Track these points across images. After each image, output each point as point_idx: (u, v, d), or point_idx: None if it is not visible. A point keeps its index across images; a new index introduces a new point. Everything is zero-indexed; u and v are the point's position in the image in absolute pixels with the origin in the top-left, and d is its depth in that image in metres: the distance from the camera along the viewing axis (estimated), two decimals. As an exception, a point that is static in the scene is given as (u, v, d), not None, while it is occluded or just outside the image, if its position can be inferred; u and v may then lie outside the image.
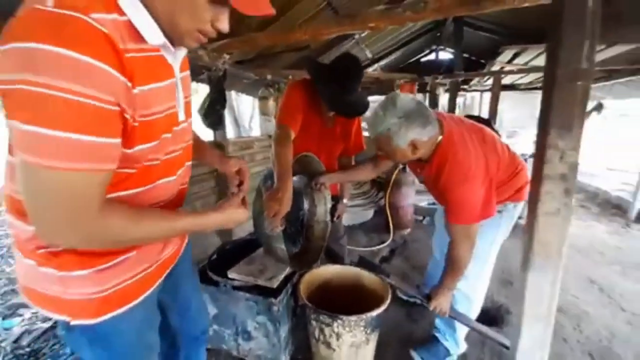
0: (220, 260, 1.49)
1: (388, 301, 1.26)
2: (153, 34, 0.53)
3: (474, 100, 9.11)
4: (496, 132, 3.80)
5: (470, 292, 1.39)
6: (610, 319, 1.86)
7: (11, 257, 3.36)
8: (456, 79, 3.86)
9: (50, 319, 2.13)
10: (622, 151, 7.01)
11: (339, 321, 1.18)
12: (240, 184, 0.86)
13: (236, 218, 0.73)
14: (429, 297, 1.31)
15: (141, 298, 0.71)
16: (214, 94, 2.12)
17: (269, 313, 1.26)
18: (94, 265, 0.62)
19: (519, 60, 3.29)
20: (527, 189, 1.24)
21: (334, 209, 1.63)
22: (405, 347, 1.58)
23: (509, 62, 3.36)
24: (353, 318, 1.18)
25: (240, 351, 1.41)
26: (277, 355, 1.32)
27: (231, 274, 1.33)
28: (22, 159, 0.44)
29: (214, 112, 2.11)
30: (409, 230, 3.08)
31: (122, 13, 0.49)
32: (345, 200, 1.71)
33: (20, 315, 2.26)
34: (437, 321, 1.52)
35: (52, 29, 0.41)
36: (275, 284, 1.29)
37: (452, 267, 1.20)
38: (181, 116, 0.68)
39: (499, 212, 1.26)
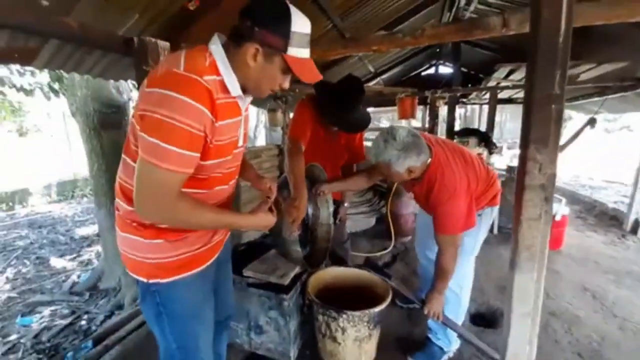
0: (235, 259, 1.61)
1: (389, 299, 1.38)
2: (235, 89, 0.79)
3: (474, 112, 9.32)
4: (494, 144, 3.92)
5: (457, 288, 1.52)
6: (602, 323, 1.96)
7: (26, 258, 3.49)
8: (455, 93, 4.03)
9: (69, 316, 2.25)
10: (622, 164, 7.11)
11: (345, 316, 1.30)
12: (269, 197, 1.04)
13: (266, 221, 0.93)
14: (423, 302, 1.43)
15: (197, 270, 0.89)
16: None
17: (280, 308, 1.38)
18: (167, 238, 0.84)
19: (515, 77, 3.46)
20: (499, 195, 1.51)
21: (335, 213, 1.76)
22: (402, 346, 1.69)
23: (505, 77, 3.54)
24: (357, 313, 1.30)
25: (252, 345, 1.52)
26: (287, 347, 1.43)
27: (246, 272, 1.46)
28: (143, 158, 0.69)
29: None
30: (409, 237, 3.19)
31: (219, 74, 0.76)
32: (346, 204, 1.85)
33: (40, 312, 2.36)
34: (429, 322, 1.64)
35: (179, 84, 0.68)
36: (286, 281, 1.41)
37: (441, 271, 1.35)
38: (240, 142, 0.91)
39: (479, 215, 1.43)
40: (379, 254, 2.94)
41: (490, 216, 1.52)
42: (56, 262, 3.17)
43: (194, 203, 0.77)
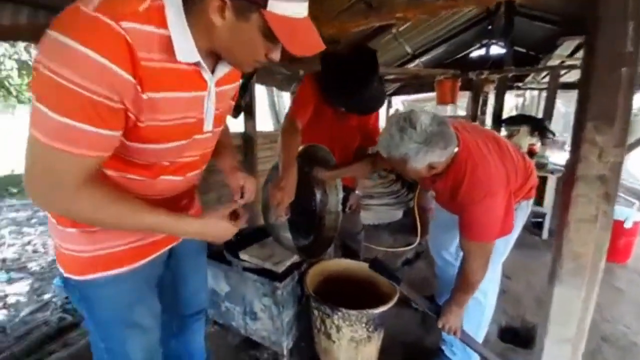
0: (240, 242, 1.56)
1: (393, 302, 1.21)
2: (186, 52, 0.56)
3: (533, 101, 8.22)
4: (549, 131, 3.35)
5: (481, 295, 1.28)
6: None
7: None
8: (505, 74, 3.52)
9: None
10: None
11: (339, 313, 1.17)
12: (236, 199, 0.84)
13: (217, 230, 0.71)
14: (438, 313, 1.22)
15: (128, 268, 0.73)
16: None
17: (273, 296, 1.30)
18: (82, 227, 0.67)
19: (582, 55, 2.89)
20: (535, 188, 1.27)
21: (345, 200, 1.61)
22: (410, 355, 1.51)
23: (570, 55, 2.97)
24: (353, 312, 1.16)
25: (248, 330, 1.47)
26: (280, 338, 1.35)
27: (242, 256, 1.39)
28: (30, 131, 0.51)
29: (237, 105, 2.21)
30: (437, 234, 2.91)
31: (165, 27, 0.54)
32: (357, 192, 1.68)
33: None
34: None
35: (78, 27, 0.47)
36: (280, 269, 1.32)
37: (464, 283, 1.12)
38: (207, 126, 0.71)
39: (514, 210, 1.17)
40: (400, 249, 2.73)
41: (526, 211, 1.27)
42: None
43: (103, 196, 0.57)
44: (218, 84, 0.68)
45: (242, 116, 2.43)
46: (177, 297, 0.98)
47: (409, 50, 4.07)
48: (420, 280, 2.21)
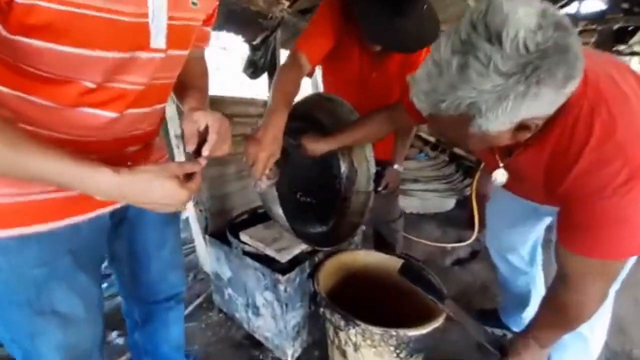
0: (249, 221, 1.31)
1: (437, 323, 0.83)
2: None
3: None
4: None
5: (587, 330, 0.83)
6: None
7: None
8: (609, 26, 2.61)
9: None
10: None
11: (357, 328, 0.83)
12: (200, 146, 0.56)
13: (153, 193, 0.46)
14: (503, 349, 0.80)
15: (34, 230, 0.51)
16: (258, 42, 1.92)
17: (275, 291, 1.01)
18: None
19: None
20: None
21: (379, 178, 1.22)
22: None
23: None
24: (377, 331, 0.81)
25: (250, 326, 1.22)
26: (283, 343, 1.07)
27: (243, 236, 1.13)
28: None
29: (251, 62, 1.93)
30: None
31: None
32: (396, 166, 1.27)
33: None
34: None
35: None
36: (285, 257, 1.02)
37: (561, 316, 0.69)
38: (157, 40, 0.50)
39: None
40: (450, 245, 2.24)
41: None
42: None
43: None
44: None
45: (263, 79, 2.14)
46: (136, 279, 0.76)
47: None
48: (477, 288, 1.74)
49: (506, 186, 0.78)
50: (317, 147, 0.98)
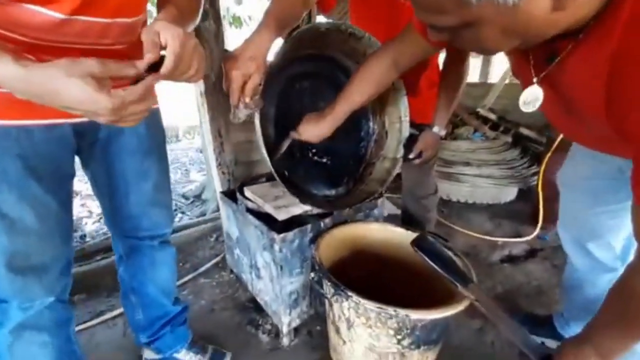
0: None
1: (454, 310, 0.64)
2: None
3: None
4: None
5: None
6: None
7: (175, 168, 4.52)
8: None
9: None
10: None
11: (349, 301, 0.69)
12: (156, 64, 0.46)
13: (62, 94, 0.39)
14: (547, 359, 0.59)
15: None
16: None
17: (271, 251, 0.92)
18: None
19: None
20: None
21: (411, 143, 1.02)
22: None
23: None
24: (371, 306, 0.65)
25: (254, 288, 1.17)
26: (279, 309, 0.98)
27: (247, 193, 1.05)
28: None
29: None
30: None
31: None
32: (436, 129, 1.03)
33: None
34: None
35: None
36: (282, 215, 0.91)
37: (632, 311, 0.47)
38: None
39: None
40: (502, 240, 1.89)
41: None
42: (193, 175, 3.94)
43: None
44: None
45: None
46: (116, 210, 0.74)
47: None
48: (529, 290, 1.42)
49: (550, 118, 0.57)
50: (318, 130, 0.82)
